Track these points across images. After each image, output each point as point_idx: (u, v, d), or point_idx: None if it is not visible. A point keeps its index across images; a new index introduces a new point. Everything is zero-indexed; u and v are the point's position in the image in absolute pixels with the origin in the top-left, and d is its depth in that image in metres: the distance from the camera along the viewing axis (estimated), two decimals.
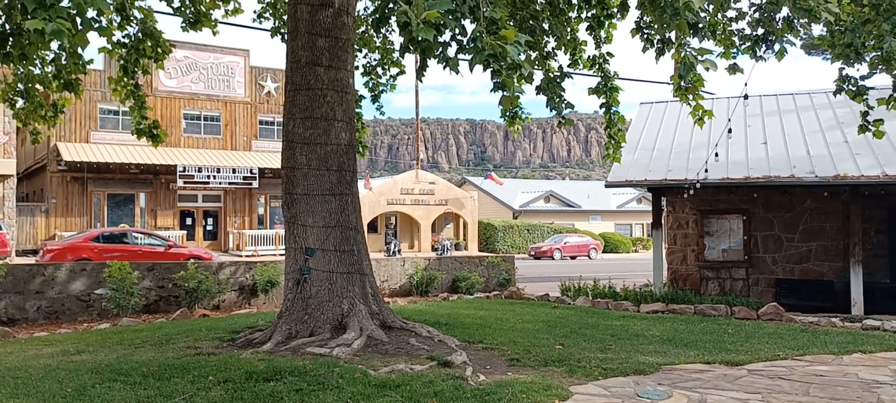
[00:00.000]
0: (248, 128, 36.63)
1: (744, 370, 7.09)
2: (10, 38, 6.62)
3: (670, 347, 8.22)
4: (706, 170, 13.08)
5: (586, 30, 10.90)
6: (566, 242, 42.59)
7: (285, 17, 10.64)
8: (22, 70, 9.31)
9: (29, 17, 4.74)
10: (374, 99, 12.30)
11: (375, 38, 11.92)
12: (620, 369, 6.81)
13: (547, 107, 10.16)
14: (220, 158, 34.12)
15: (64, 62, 8.94)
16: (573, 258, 41.32)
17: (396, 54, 12.15)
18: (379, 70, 12.29)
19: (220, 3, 11.36)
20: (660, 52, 9.94)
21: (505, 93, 5.13)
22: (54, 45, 8.44)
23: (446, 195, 42.24)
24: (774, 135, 15.04)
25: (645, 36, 10.12)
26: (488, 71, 5.59)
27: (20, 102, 9.96)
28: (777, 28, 9.41)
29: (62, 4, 4.87)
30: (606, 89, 10.58)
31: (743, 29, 10.00)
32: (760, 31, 9.63)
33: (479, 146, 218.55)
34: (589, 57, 11.02)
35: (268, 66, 37.43)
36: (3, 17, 6.87)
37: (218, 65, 35.71)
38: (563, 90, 9.88)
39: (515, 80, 5.13)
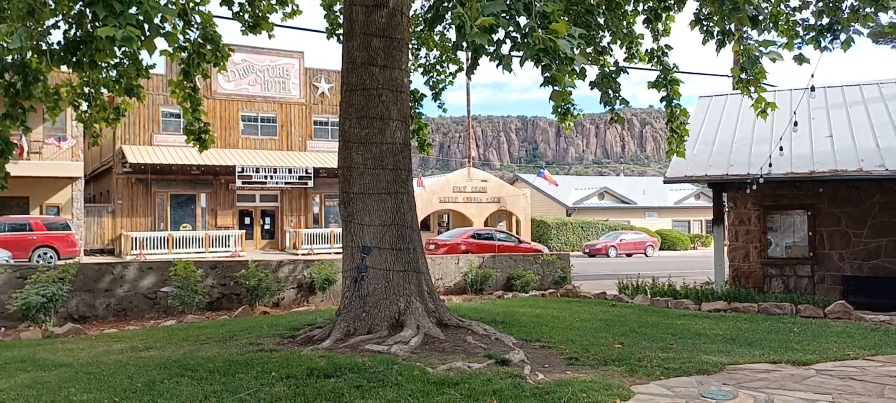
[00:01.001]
0: (303, 129, 37.22)
1: (812, 370, 6.86)
2: (81, 46, 6.88)
3: (734, 346, 8.02)
4: (770, 165, 12.71)
5: (643, 23, 10.72)
6: (622, 239, 41.98)
7: (341, 19, 10.76)
8: (83, 76, 9.63)
9: (100, 24, 4.91)
10: (436, 96, 12.37)
11: (433, 36, 11.97)
12: (683, 368, 6.68)
13: (600, 102, 10.04)
14: (276, 159, 34.78)
15: (127, 67, 9.22)
16: (629, 255, 40.70)
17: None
18: (438, 67, 12.36)
19: (278, 7, 11.58)
20: (720, 44, 9.71)
21: (556, 88, 5.07)
22: (119, 50, 8.72)
23: (498, 193, 42.13)
24: (841, 127, 14.51)
25: (704, 28, 9.89)
26: (533, 65, 5.55)
27: (84, 106, 10.32)
28: (842, 17, 9.08)
29: (130, 11, 5.03)
30: (666, 82, 10.39)
31: (806, 19, 9.69)
32: (825, 20, 9.31)
33: (531, 143, 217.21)
34: (646, 50, 10.84)
35: (322, 68, 37.98)
36: (74, 27, 7.15)
37: (274, 67, 36.39)
38: (619, 86, 9.73)
39: (566, 75, 5.06)
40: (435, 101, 12.75)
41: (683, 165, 14.24)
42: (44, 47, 6.93)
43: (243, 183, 33.25)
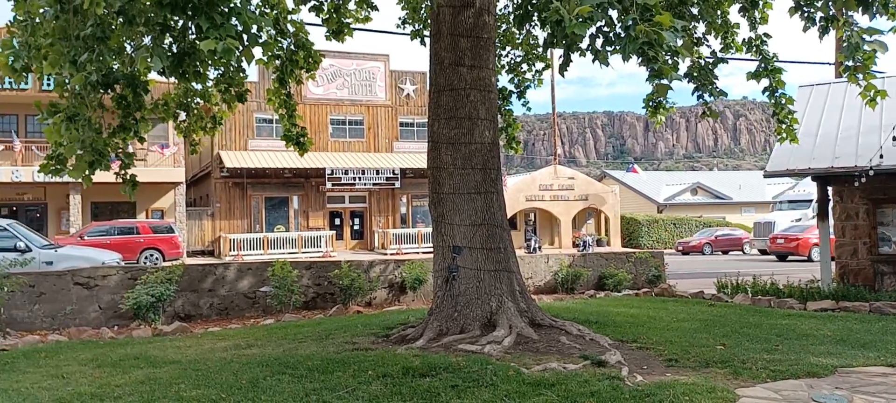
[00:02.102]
0: (390, 131, 37.81)
1: None
2: (186, 58, 7.21)
3: (845, 348, 7.58)
4: (881, 156, 11.94)
5: (739, 11, 10.30)
6: (717, 236, 40.45)
7: (428, 21, 10.82)
8: (184, 87, 10.07)
9: (203, 37, 5.13)
10: (520, 95, 12.31)
11: (518, 35, 11.90)
12: (791, 371, 6.36)
13: (694, 93, 9.69)
14: (364, 160, 35.48)
15: (232, 75, 9.57)
16: (725, 252, 39.19)
17: (540, 49, 12.06)
18: (523, 66, 12.27)
19: (362, 10, 11.76)
20: (823, 31, 9.18)
21: (661, 81, 4.93)
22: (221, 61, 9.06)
23: (586, 190, 41.47)
24: None
25: (805, 14, 9.39)
26: (638, 60, 5.40)
27: (182, 116, 10.80)
28: None
29: (231, 23, 5.23)
30: (768, 72, 9.94)
31: None
32: None
33: (618, 138, 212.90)
34: (743, 40, 10.41)
35: (406, 70, 38.48)
36: (178, 40, 7.49)
37: (360, 71, 37.14)
38: (716, 77, 9.38)
39: (672, 68, 4.93)
40: (519, 100, 12.69)
41: (785, 158, 13.58)
42: (149, 62, 7.29)
43: (333, 185, 34.09)
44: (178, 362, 7.26)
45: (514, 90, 12.39)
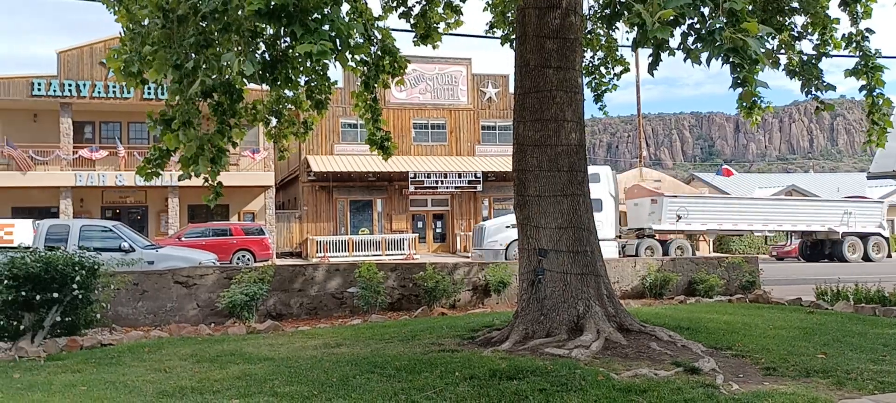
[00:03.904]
0: (472, 134, 37.95)
1: None
2: (277, 65, 7.47)
3: None
4: None
5: (839, 6, 9.81)
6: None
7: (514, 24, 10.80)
8: (275, 94, 10.41)
9: (298, 42, 5.31)
10: (597, 98, 12.14)
11: (601, 37, 11.72)
12: None
13: (802, 91, 9.29)
14: (446, 164, 35.74)
15: (318, 82, 9.85)
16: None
17: (620, 52, 11.86)
18: (602, 69, 12.09)
19: (448, 15, 11.87)
20: None
21: (745, 88, 4.79)
22: (316, 65, 9.34)
23: (673, 193, 40.37)
24: None
25: None
26: (719, 65, 5.25)
27: (273, 122, 11.18)
28: None
29: (324, 29, 5.40)
30: (867, 69, 9.41)
31: None
32: None
33: (706, 140, 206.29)
34: (842, 35, 9.90)
35: (488, 73, 38.55)
36: (269, 48, 7.77)
37: (442, 75, 37.45)
38: (821, 72, 8.95)
39: (757, 76, 4.79)
40: (596, 103, 12.51)
41: (891, 158, 12.83)
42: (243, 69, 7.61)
43: (416, 188, 34.51)
44: (272, 359, 7.51)
45: (591, 93, 12.22)
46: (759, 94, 5.66)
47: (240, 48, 6.34)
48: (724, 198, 32.53)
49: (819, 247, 33.67)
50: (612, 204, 26.65)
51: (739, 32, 4.78)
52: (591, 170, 25.53)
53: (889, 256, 33.26)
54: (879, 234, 31.98)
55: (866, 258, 32.21)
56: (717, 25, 4.97)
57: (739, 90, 5.18)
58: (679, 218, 29.23)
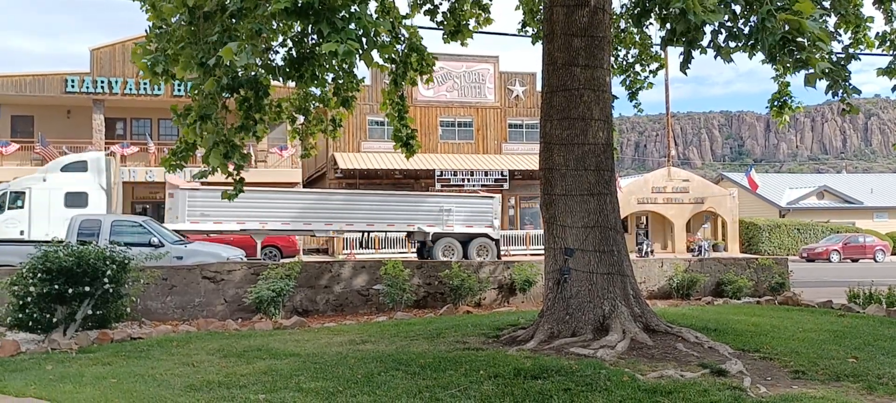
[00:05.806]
0: (498, 132, 37.86)
1: None
2: (304, 62, 7.53)
3: None
4: None
5: (873, 4, 9.62)
6: (846, 242, 37.87)
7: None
8: (303, 91, 10.49)
9: (325, 41, 5.34)
10: (632, 96, 12.03)
11: (634, 34, 11.62)
12: None
13: (827, 92, 9.12)
14: (472, 162, 35.70)
15: (345, 80, 9.91)
16: (855, 260, 36.61)
17: (655, 49, 11.73)
18: (637, 67, 11.98)
19: (477, 12, 11.87)
20: None
21: (808, 71, 4.67)
22: (342, 64, 9.41)
23: (702, 193, 39.91)
24: None
25: None
26: (762, 58, 5.13)
27: (300, 119, 11.25)
28: None
29: (350, 27, 5.42)
30: None
31: None
32: None
33: (736, 139, 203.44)
34: (876, 34, 9.71)
35: (515, 71, 38.41)
36: (296, 46, 7.84)
37: (470, 73, 37.41)
38: (849, 73, 8.79)
39: (820, 56, 4.66)
40: (631, 101, 12.43)
41: None
42: (271, 65, 7.71)
43: (442, 186, 34.48)
44: (298, 355, 7.57)
45: (625, 92, 12.13)
46: (844, 75, 5.46)
47: (257, 43, 6.41)
48: (259, 193, 23.43)
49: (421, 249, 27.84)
50: (103, 199, 22.71)
51: (795, 15, 4.65)
52: (76, 156, 23.35)
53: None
54: (487, 236, 26.95)
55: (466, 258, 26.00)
56: (766, 12, 4.83)
57: (804, 74, 4.97)
58: (204, 215, 23.66)
